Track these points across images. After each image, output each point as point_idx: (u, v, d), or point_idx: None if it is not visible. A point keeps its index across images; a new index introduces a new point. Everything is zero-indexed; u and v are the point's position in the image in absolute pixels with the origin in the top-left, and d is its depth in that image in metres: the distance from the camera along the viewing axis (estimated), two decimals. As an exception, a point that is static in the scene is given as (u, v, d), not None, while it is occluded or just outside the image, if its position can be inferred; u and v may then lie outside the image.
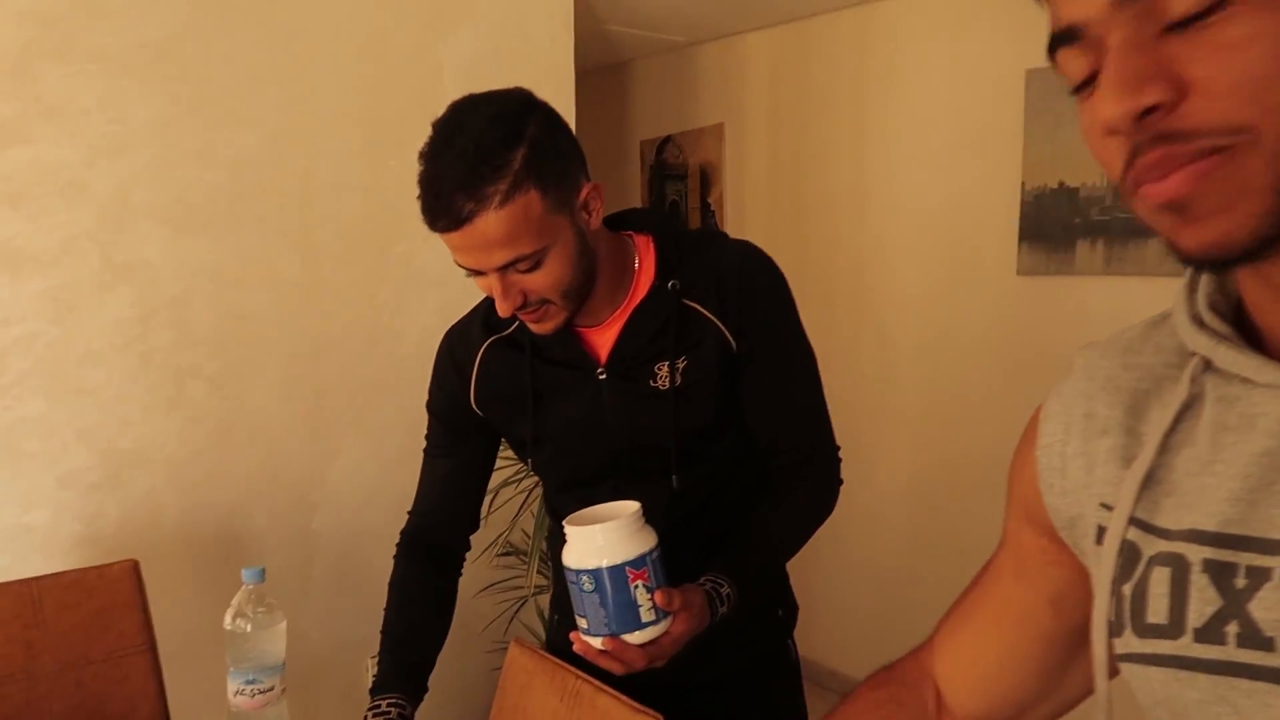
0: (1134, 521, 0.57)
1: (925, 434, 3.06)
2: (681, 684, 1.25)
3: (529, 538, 2.57)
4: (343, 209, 2.32)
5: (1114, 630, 0.57)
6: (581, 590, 1.04)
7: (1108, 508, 0.59)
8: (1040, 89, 2.66)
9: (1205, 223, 0.46)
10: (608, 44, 3.60)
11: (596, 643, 1.06)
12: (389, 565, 1.40)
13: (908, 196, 3.03)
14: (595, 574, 1.02)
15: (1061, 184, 2.65)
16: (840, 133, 3.19)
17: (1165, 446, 0.56)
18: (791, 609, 1.40)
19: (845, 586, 3.27)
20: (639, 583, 1.03)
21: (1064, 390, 0.66)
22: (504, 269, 1.07)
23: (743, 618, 1.19)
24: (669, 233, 1.24)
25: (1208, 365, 0.56)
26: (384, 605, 1.37)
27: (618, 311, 1.21)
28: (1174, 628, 0.53)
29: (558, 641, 1.36)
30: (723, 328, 1.18)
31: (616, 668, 1.07)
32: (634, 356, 1.20)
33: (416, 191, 1.09)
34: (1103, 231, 2.57)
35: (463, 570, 1.44)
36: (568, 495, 1.31)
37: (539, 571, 2.56)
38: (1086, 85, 0.50)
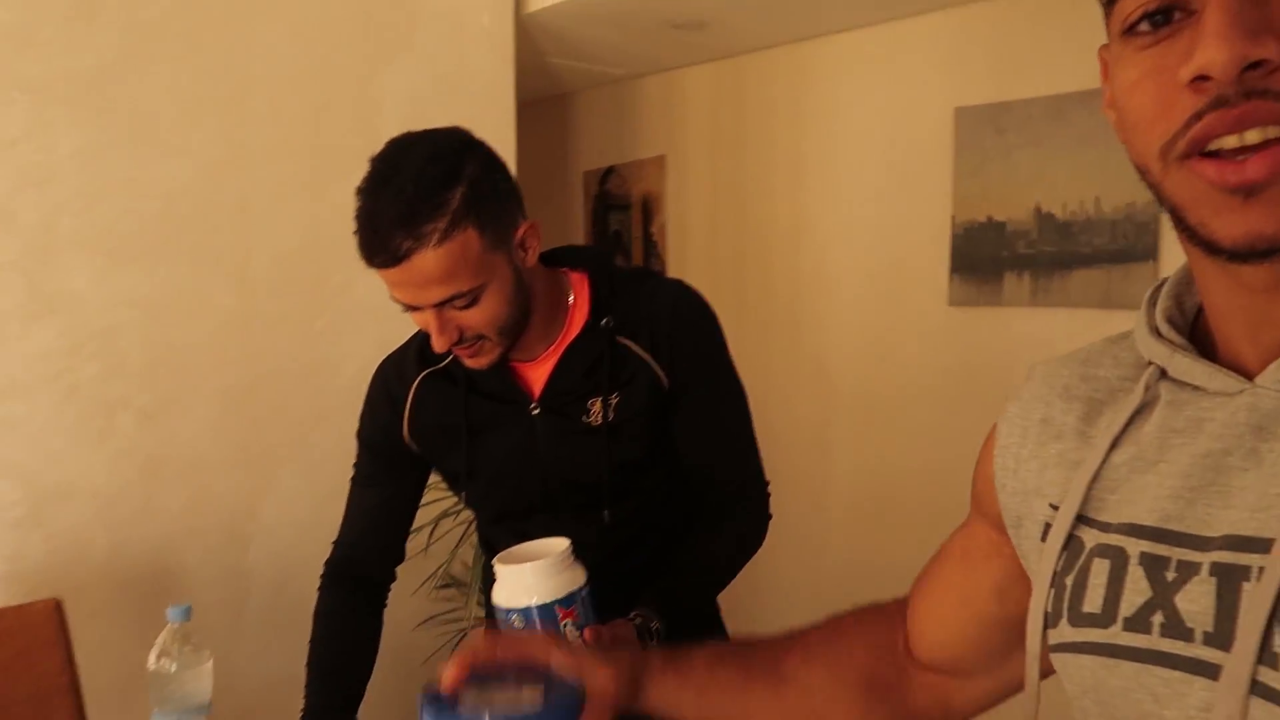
0: (1080, 518, 0.58)
1: (862, 461, 3.11)
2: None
3: (469, 568, 2.55)
4: (279, 239, 2.31)
5: (1050, 621, 0.59)
6: (512, 629, 1.04)
7: (1055, 507, 0.61)
8: (969, 126, 2.75)
9: (1268, 209, 0.46)
10: (549, 76, 3.63)
11: None
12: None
13: (844, 228, 3.10)
14: (525, 612, 1.02)
15: (989, 218, 2.73)
16: (779, 166, 3.25)
17: (1113, 446, 0.58)
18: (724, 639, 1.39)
19: (787, 614, 3.29)
20: (568, 621, 1.03)
21: (1023, 396, 0.68)
22: (441, 305, 1.08)
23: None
24: (603, 270, 1.26)
25: (1163, 374, 0.58)
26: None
27: (552, 347, 1.23)
28: (1106, 616, 0.54)
29: None
30: (655, 365, 1.21)
31: None
32: (567, 392, 1.22)
33: (352, 223, 1.10)
34: (1029, 264, 2.66)
35: (387, 601, 1.43)
36: (500, 528, 1.31)
37: (479, 603, 2.54)
38: (1144, 30, 0.49)
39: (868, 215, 3.04)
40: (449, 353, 1.21)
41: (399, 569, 1.43)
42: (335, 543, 1.40)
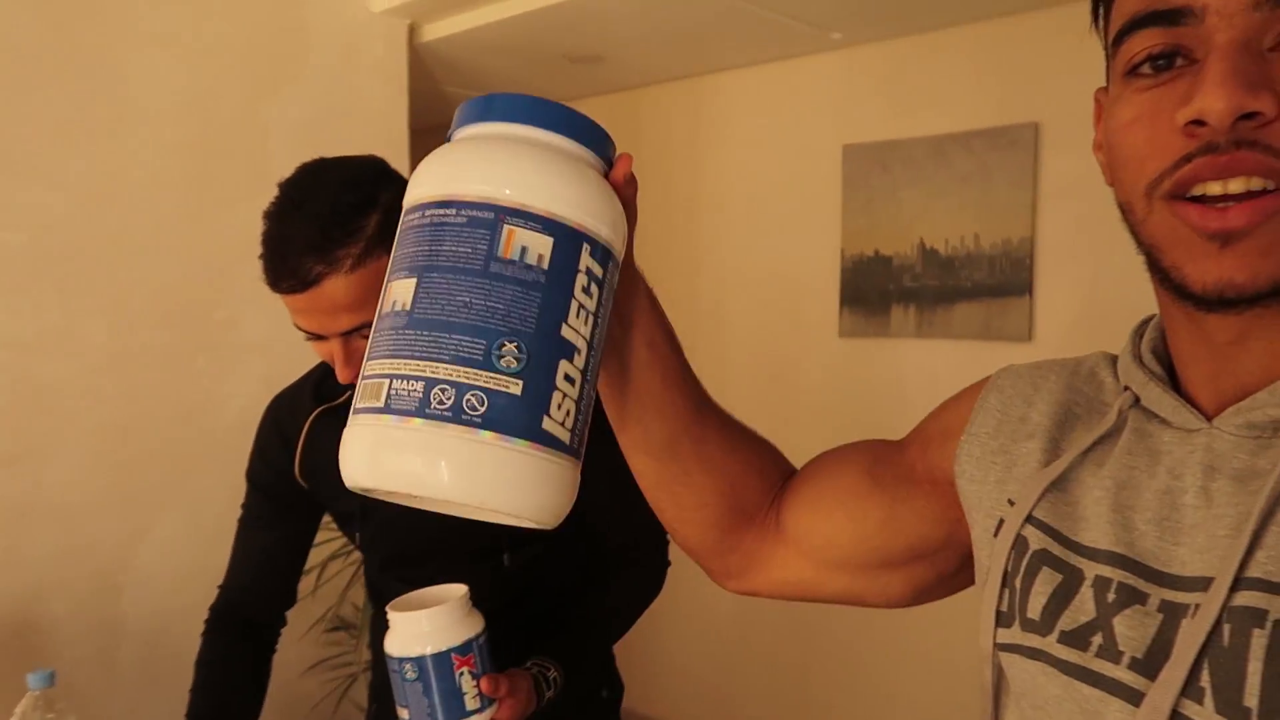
0: (1032, 520, 0.59)
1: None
2: None
3: (360, 610, 2.48)
4: (158, 273, 2.21)
5: (1004, 620, 0.60)
6: (404, 679, 1.00)
7: (1012, 503, 0.62)
8: (857, 164, 2.83)
9: (1245, 260, 0.48)
10: (446, 105, 3.59)
11: None
12: None
13: (739, 262, 3.15)
14: (419, 662, 0.99)
15: (877, 252, 2.82)
16: (675, 199, 3.29)
17: (1079, 462, 0.59)
18: (617, 689, 1.40)
19: (681, 639, 3.30)
20: (464, 669, 1.00)
21: (1005, 387, 0.68)
22: (348, 334, 1.04)
23: (568, 700, 1.19)
24: None
25: (1136, 400, 0.59)
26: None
27: None
28: (1045, 625, 0.56)
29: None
30: None
31: None
32: None
33: (240, 254, 1.06)
34: (914, 298, 2.75)
35: (277, 647, 1.38)
36: (391, 575, 1.27)
37: (369, 645, 2.47)
38: (1146, 72, 0.51)
39: (762, 249, 3.10)
40: (346, 390, 1.17)
41: (289, 614, 1.38)
42: (221, 586, 1.35)
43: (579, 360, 0.53)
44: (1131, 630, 0.52)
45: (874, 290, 2.83)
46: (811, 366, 2.99)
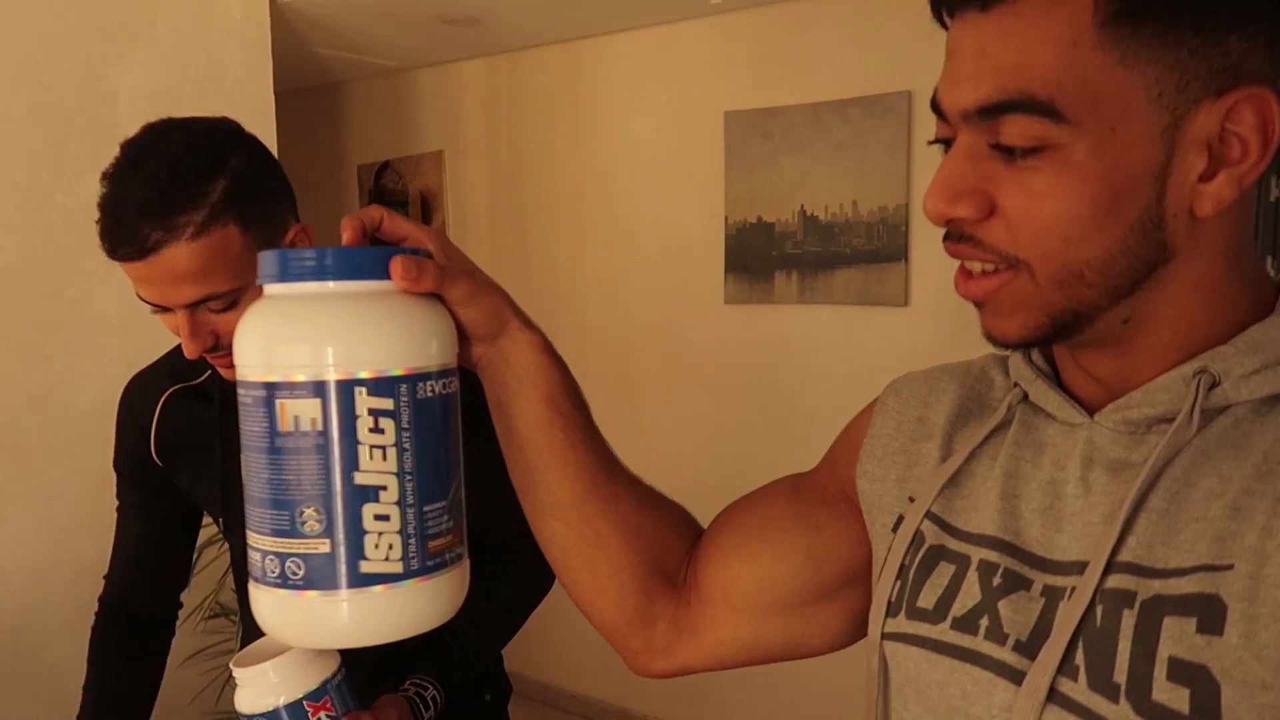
0: (930, 515, 0.64)
1: (641, 452, 3.16)
2: None
3: (235, 595, 2.40)
4: (-2, 250, 2.06)
5: (891, 610, 0.63)
6: None
7: (912, 500, 0.66)
8: (738, 131, 2.83)
9: (999, 320, 0.57)
10: (315, 65, 3.44)
11: None
12: (70, 647, 1.27)
13: (625, 228, 3.13)
14: (272, 715, 0.91)
15: (759, 219, 2.83)
16: (559, 165, 3.24)
17: (971, 456, 0.64)
18: (502, 692, 1.34)
19: (574, 633, 3.31)
20: (321, 713, 0.93)
21: (903, 390, 0.72)
22: (194, 306, 0.98)
23: (447, 708, 1.14)
24: None
25: (1025, 396, 0.63)
26: (79, 685, 1.25)
27: None
28: (938, 614, 0.60)
29: None
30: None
31: None
32: None
33: (90, 229, 0.97)
34: (795, 264, 2.78)
35: (174, 635, 1.34)
36: None
37: (240, 640, 2.40)
38: (941, 148, 0.58)
39: (646, 215, 3.08)
40: (203, 368, 1.13)
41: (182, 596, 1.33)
42: (106, 578, 1.29)
43: (388, 495, 0.56)
44: (1016, 614, 0.56)
45: (757, 257, 2.85)
46: (698, 333, 3.01)
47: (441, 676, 1.11)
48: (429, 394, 0.58)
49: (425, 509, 0.57)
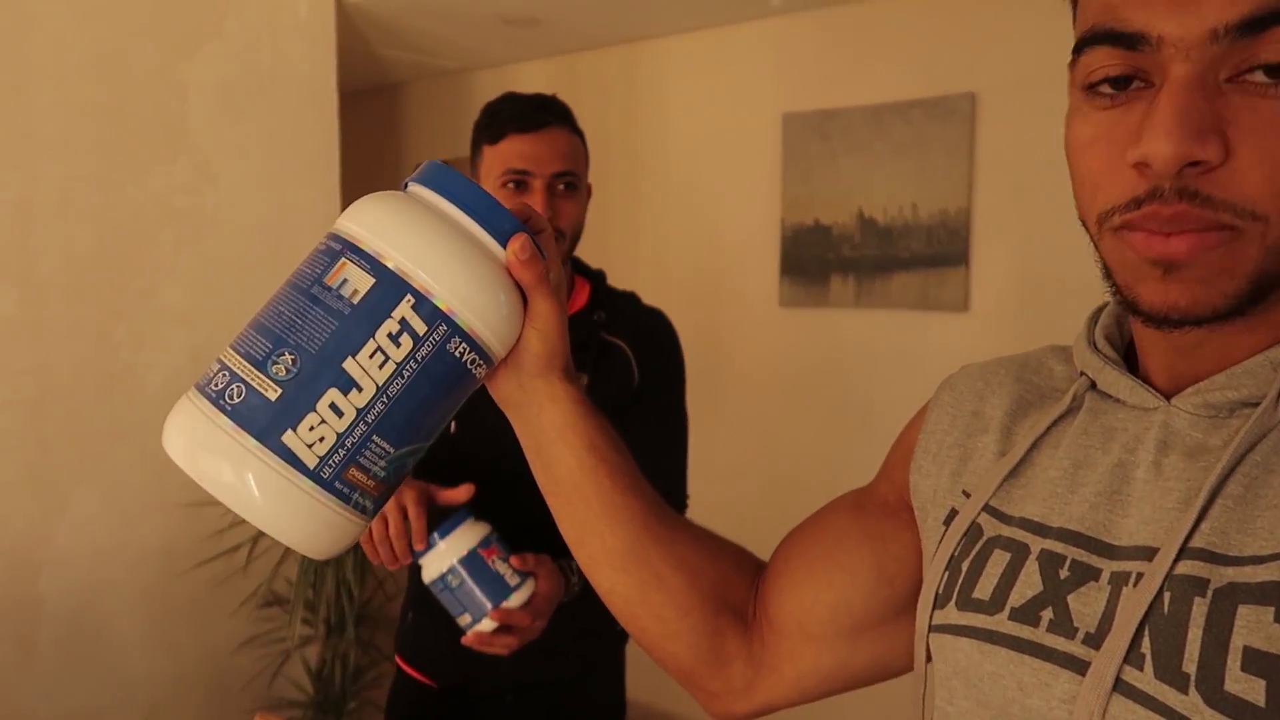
0: (987, 509, 0.60)
1: (696, 456, 3.15)
2: (523, 684, 1.40)
3: (292, 585, 2.43)
4: (70, 240, 2.11)
5: (939, 602, 0.60)
6: (452, 589, 1.18)
7: (967, 495, 0.62)
8: (796, 132, 2.81)
9: (1186, 287, 0.48)
10: (378, 66, 3.49)
11: (487, 625, 1.18)
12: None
13: (679, 229, 3.13)
14: (455, 569, 1.17)
15: (816, 222, 2.81)
16: (614, 165, 3.24)
17: (1034, 446, 0.60)
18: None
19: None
20: (494, 557, 1.19)
21: (958, 384, 0.69)
22: (557, 176, 1.30)
23: (586, 625, 1.33)
24: (601, 280, 1.50)
25: (1093, 385, 0.60)
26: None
27: None
28: (994, 605, 0.56)
29: (410, 640, 1.45)
30: (633, 359, 1.39)
31: (511, 641, 1.18)
32: None
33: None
34: (853, 268, 2.75)
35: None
36: (477, 490, 1.35)
37: (304, 620, 2.42)
38: (1105, 92, 0.50)
39: (702, 217, 3.07)
40: None
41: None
42: None
43: (357, 398, 0.55)
44: (1086, 606, 0.53)
45: (813, 260, 2.82)
46: (751, 336, 2.99)
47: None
48: (457, 353, 0.58)
49: (374, 438, 0.56)
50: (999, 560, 0.57)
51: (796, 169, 2.83)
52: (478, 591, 1.18)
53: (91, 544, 2.17)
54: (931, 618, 0.60)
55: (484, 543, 1.19)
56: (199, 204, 2.26)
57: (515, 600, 1.18)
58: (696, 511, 3.44)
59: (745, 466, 3.02)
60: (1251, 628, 0.46)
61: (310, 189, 2.46)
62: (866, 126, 2.68)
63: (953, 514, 0.63)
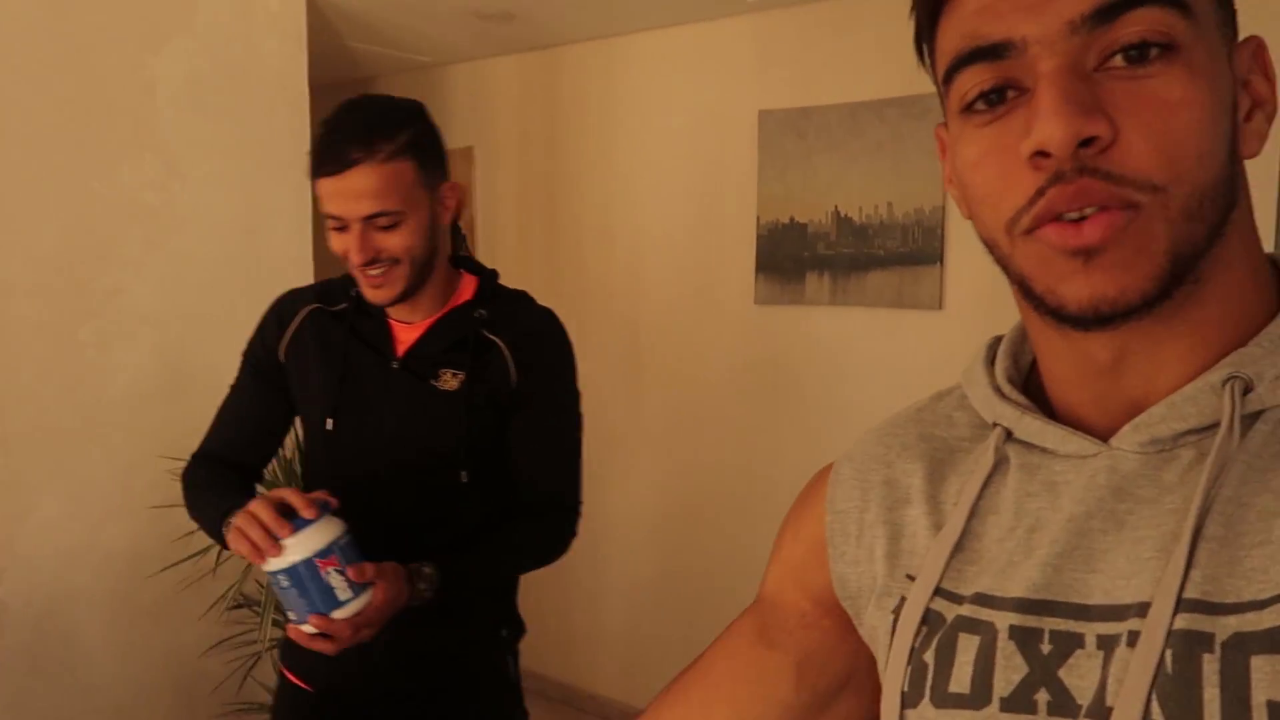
0: (939, 591, 0.56)
1: (672, 454, 3.15)
2: (401, 691, 1.38)
3: (263, 588, 2.40)
4: (35, 237, 2.07)
5: (908, 701, 0.56)
6: (282, 589, 1.18)
7: (911, 578, 0.58)
8: (772, 130, 2.81)
9: (1110, 274, 0.47)
10: (349, 60, 3.45)
11: (307, 628, 1.18)
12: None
13: (655, 226, 3.11)
14: (289, 571, 1.17)
15: (792, 219, 2.81)
16: (590, 162, 3.23)
17: (972, 513, 0.56)
18: (517, 629, 1.49)
19: (603, 608, 3.30)
20: (330, 568, 1.18)
21: (855, 456, 0.65)
22: (368, 219, 1.24)
23: (464, 633, 1.38)
24: (490, 279, 1.45)
25: (1009, 435, 0.57)
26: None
27: (428, 320, 1.38)
28: (977, 697, 0.52)
29: (288, 645, 1.44)
30: (511, 362, 1.36)
31: (328, 647, 1.19)
32: (426, 357, 1.36)
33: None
34: (829, 265, 2.75)
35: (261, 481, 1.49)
36: (340, 467, 1.38)
37: (275, 622, 2.39)
38: (981, 109, 0.50)
39: (677, 213, 3.06)
40: (342, 299, 1.38)
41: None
42: (202, 444, 1.46)
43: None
44: (1083, 679, 0.49)
45: (789, 257, 2.82)
46: (727, 333, 2.98)
47: (441, 567, 1.29)
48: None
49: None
50: (968, 646, 0.53)
51: (773, 166, 2.82)
52: (303, 599, 1.18)
53: (56, 547, 2.13)
54: (903, 718, 0.56)
55: (324, 552, 1.17)
56: (167, 201, 2.22)
57: (341, 614, 1.18)
58: (675, 506, 3.45)
59: (720, 463, 3.02)
60: (1270, 680, 0.43)
61: (281, 185, 2.43)
62: (843, 125, 2.68)
63: (902, 602, 0.58)
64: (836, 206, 2.72)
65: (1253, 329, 0.51)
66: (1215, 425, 0.50)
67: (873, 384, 2.68)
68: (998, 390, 0.58)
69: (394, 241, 1.27)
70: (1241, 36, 0.53)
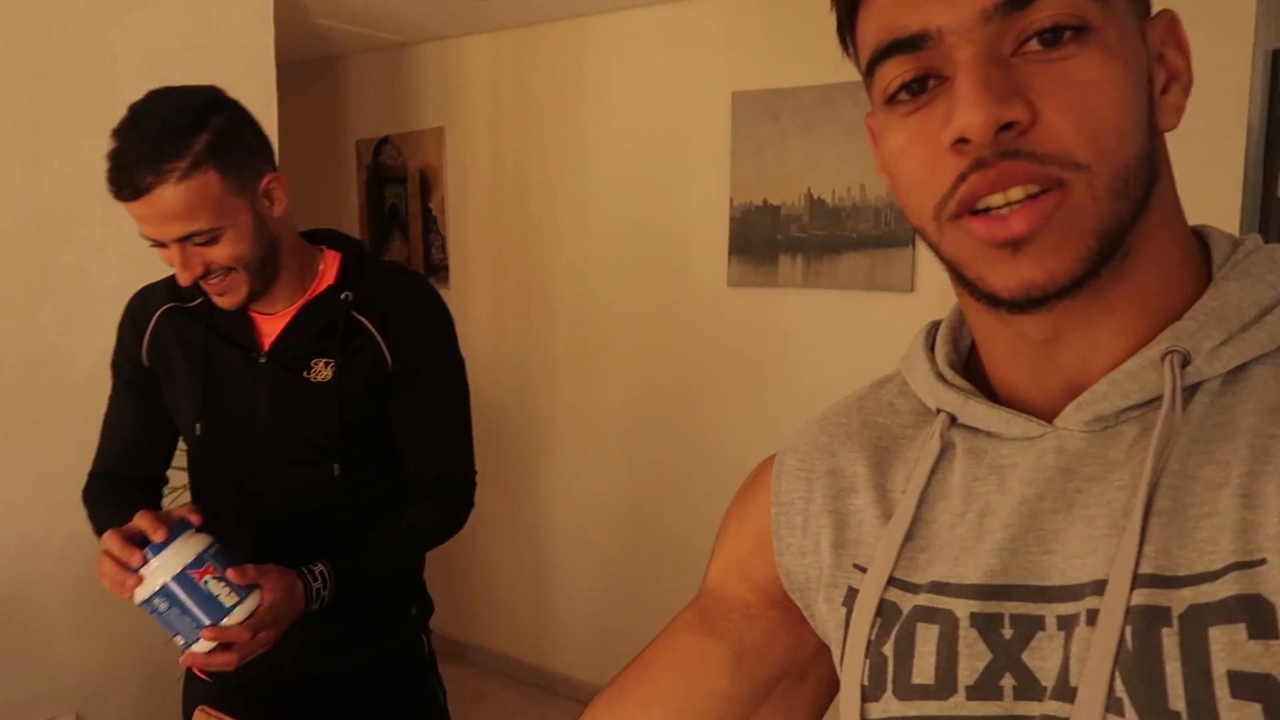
0: (892, 581, 0.56)
1: (644, 435, 3.14)
2: (311, 678, 1.36)
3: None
4: (-8, 216, 2.02)
5: (869, 695, 0.55)
6: (161, 613, 1.10)
7: (860, 568, 0.58)
8: (745, 112, 2.80)
9: (1039, 260, 0.48)
10: (317, 38, 3.39)
11: (202, 646, 1.11)
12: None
13: (627, 208, 3.10)
14: (162, 591, 1.09)
15: (765, 202, 2.80)
16: (561, 142, 3.20)
17: (921, 500, 0.57)
18: (425, 608, 1.49)
19: (575, 590, 3.30)
20: (207, 577, 1.11)
21: (798, 446, 0.65)
22: (183, 240, 1.17)
23: (373, 616, 1.36)
24: (355, 254, 1.36)
25: (953, 420, 0.57)
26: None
27: (292, 306, 1.31)
28: (942, 687, 0.52)
29: (191, 688, 1.43)
30: (382, 343, 1.30)
31: (231, 659, 1.12)
32: (294, 348, 1.30)
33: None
34: (800, 248, 2.75)
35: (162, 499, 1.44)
36: (216, 468, 1.35)
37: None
38: (904, 99, 0.51)
39: (651, 195, 3.05)
40: (198, 293, 1.29)
41: None
42: (94, 463, 1.43)
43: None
44: (1046, 661, 0.50)
45: (762, 240, 2.82)
46: (700, 315, 2.98)
47: (334, 564, 1.25)
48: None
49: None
50: (927, 636, 0.53)
51: (746, 148, 2.81)
52: (187, 617, 1.10)
53: (18, 533, 2.09)
54: (864, 713, 0.55)
55: (196, 561, 1.10)
56: (129, 179, 2.17)
57: (232, 619, 1.11)
58: (648, 489, 3.45)
59: (693, 445, 3.02)
60: (1229, 650, 0.44)
61: (247, 164, 2.38)
62: (816, 107, 2.67)
63: (852, 593, 0.58)
64: (809, 189, 2.72)
65: (1184, 302, 0.52)
66: (1157, 400, 0.51)
67: (845, 366, 2.69)
68: (939, 376, 0.59)
69: (219, 254, 1.19)
70: (1155, 9, 0.54)
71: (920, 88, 0.50)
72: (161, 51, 2.24)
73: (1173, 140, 0.54)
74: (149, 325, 1.35)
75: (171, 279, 1.35)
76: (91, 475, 1.41)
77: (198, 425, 1.32)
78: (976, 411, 0.56)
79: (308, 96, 3.75)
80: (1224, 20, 2.06)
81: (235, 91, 1.21)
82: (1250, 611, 0.44)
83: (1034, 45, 0.48)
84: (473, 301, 3.43)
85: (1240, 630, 0.44)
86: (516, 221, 3.34)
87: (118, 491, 1.37)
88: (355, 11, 3.05)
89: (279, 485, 1.32)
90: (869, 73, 0.53)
